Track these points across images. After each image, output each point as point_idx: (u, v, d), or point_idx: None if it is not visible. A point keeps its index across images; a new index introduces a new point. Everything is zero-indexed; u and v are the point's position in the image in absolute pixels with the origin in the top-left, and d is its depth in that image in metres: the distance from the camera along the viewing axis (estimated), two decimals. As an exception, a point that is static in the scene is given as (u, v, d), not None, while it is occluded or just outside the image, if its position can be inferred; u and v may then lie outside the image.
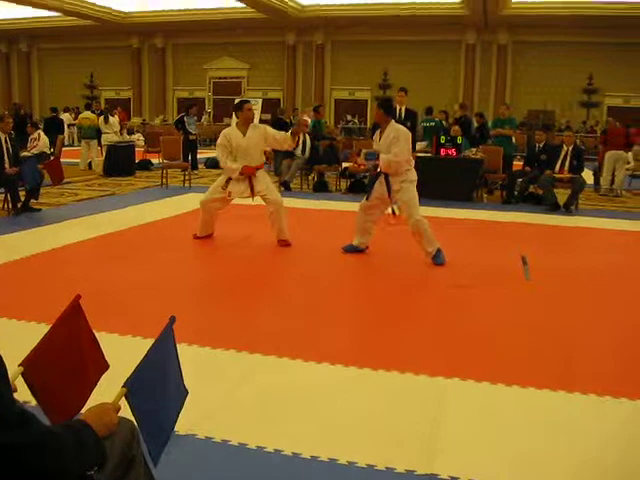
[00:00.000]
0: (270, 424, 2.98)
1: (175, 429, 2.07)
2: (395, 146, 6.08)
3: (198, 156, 15.06)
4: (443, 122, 13.50)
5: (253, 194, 6.94)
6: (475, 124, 13.02)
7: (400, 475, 2.59)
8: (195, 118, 15.33)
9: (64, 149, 15.16)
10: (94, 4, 23.72)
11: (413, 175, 6.28)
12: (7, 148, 8.33)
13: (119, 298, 4.91)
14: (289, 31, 27.04)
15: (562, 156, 10.10)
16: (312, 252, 6.72)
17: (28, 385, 1.86)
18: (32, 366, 1.87)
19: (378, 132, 6.41)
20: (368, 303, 5.15)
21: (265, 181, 6.99)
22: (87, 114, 15.18)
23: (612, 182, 12.41)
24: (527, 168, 10.78)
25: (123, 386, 1.74)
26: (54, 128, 14.19)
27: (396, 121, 6.50)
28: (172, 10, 24.62)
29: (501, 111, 12.77)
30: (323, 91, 27.91)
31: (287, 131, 7.15)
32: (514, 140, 12.67)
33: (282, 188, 11.48)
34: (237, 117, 7.06)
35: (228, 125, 7.13)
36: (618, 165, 12.32)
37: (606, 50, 23.31)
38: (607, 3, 20.66)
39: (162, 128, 22.22)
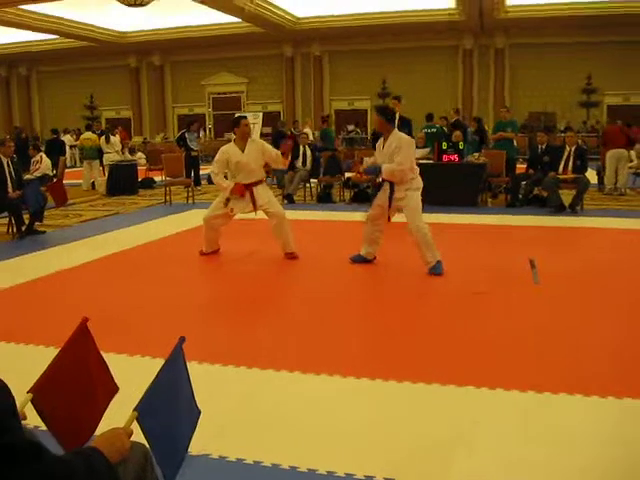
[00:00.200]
0: (284, 440, 2.94)
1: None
2: (398, 155, 6.03)
3: (200, 172, 15.07)
4: (444, 128, 13.48)
5: (255, 208, 6.93)
6: (471, 128, 13.01)
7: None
8: (196, 134, 15.36)
9: (66, 170, 15.18)
10: (91, 25, 23.81)
11: (418, 183, 6.23)
12: (10, 172, 8.34)
13: (127, 318, 4.88)
14: (286, 44, 27.10)
15: (565, 157, 10.07)
16: (318, 264, 6.69)
17: (38, 412, 1.84)
18: (41, 392, 1.84)
19: (381, 140, 6.37)
20: (376, 313, 5.10)
21: (267, 195, 6.98)
22: (88, 135, 15.22)
23: (616, 181, 12.36)
24: (530, 170, 10.75)
25: (134, 410, 1.70)
26: (55, 150, 14.23)
27: None
28: (168, 28, 24.71)
29: (502, 114, 12.76)
30: (322, 102, 27.94)
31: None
32: (515, 143, 12.64)
33: (285, 201, 11.47)
34: (234, 133, 7.06)
35: (229, 140, 7.12)
36: (620, 164, 12.29)
37: (603, 49, 23.31)
38: (602, 2, 20.65)
39: (163, 146, 22.25)
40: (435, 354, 4.02)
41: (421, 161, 11.26)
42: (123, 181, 13.68)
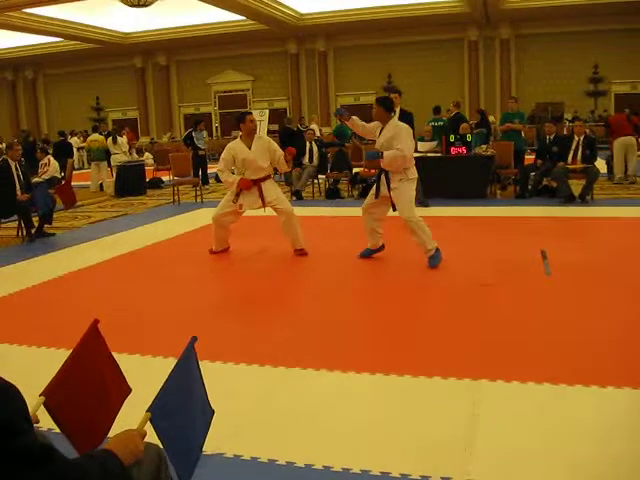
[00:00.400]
0: (299, 438, 2.93)
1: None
2: (398, 142, 5.97)
3: (208, 171, 15.08)
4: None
5: (264, 204, 6.91)
6: (471, 120, 12.97)
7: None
8: (203, 133, 15.37)
9: (74, 172, 15.22)
10: (95, 27, 23.86)
11: (413, 173, 6.16)
12: (18, 175, 8.37)
13: (138, 318, 4.88)
14: (290, 40, 27.08)
15: (574, 147, 10.00)
16: (328, 260, 6.67)
17: (51, 415, 1.83)
18: (54, 395, 1.83)
19: (378, 130, 6.32)
20: (387, 307, 5.06)
21: (275, 191, 6.95)
22: (95, 136, 15.25)
23: (626, 169, 12.27)
24: (539, 161, 10.68)
25: (147, 411, 1.69)
26: (63, 152, 14.27)
27: None
28: (173, 28, 24.73)
29: (509, 105, 12.69)
30: (328, 98, 27.91)
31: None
32: (523, 135, 12.58)
33: (294, 198, 11.45)
34: (240, 130, 7.01)
35: (236, 138, 7.10)
36: (629, 152, 12.20)
37: (609, 38, 23.17)
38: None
39: (170, 145, 22.30)
40: (447, 347, 3.99)
41: (429, 154, 11.25)
42: (131, 182, 13.70)
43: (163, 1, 18.24)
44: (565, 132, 14.94)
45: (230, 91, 29.16)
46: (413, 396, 3.33)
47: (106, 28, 24.48)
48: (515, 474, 2.56)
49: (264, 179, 6.88)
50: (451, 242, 6.93)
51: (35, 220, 8.49)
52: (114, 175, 14.35)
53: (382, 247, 6.61)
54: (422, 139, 12.11)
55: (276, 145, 7.08)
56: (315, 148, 12.22)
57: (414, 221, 6.02)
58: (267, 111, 19.29)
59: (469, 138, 10.95)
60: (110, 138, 14.74)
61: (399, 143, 5.96)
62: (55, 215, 8.94)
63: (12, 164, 8.34)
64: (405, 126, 6.19)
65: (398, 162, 5.99)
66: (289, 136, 13.80)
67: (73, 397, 1.88)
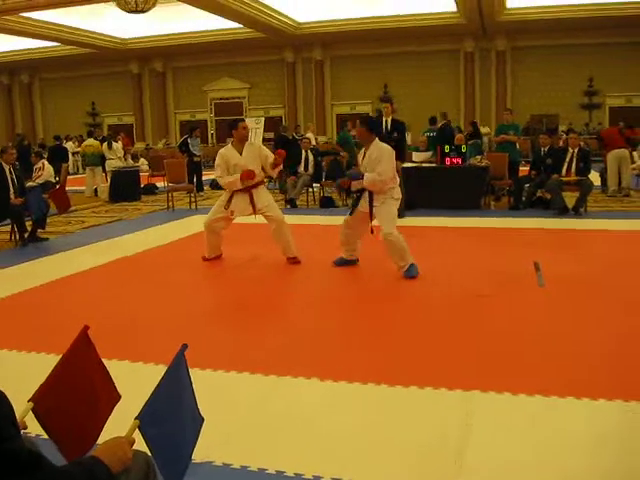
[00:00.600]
0: (289, 447, 2.91)
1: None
2: (379, 165, 6.03)
3: (203, 177, 15.07)
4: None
5: (255, 211, 6.91)
6: (464, 132, 13.02)
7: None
8: (198, 140, 15.37)
9: (69, 177, 15.18)
10: (92, 32, 23.84)
11: (397, 193, 6.22)
12: (12, 179, 8.34)
13: (130, 324, 4.86)
14: (287, 49, 27.12)
15: (568, 159, 10.04)
16: (321, 269, 6.65)
17: (39, 421, 1.81)
18: (42, 401, 1.82)
19: (362, 151, 6.36)
20: (380, 316, 5.05)
21: (266, 198, 6.96)
22: (90, 141, 15.23)
23: (620, 182, 12.31)
24: (533, 173, 10.71)
25: (136, 418, 1.68)
26: (58, 157, 14.26)
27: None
28: (170, 34, 24.73)
29: (505, 116, 12.74)
30: (324, 107, 27.94)
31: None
32: (518, 147, 12.61)
33: (288, 205, 11.45)
34: (232, 136, 7.04)
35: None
36: (623, 164, 12.24)
37: (605, 51, 23.27)
38: (603, 4, 20.61)
39: (165, 151, 22.28)
40: (440, 358, 3.99)
41: (424, 164, 11.28)
42: (126, 187, 13.67)
43: (160, 8, 18.24)
44: (560, 144, 14.99)
45: (226, 98, 29.17)
46: (404, 406, 3.32)
47: (103, 33, 24.46)
48: (506, 486, 2.56)
49: (256, 186, 6.89)
50: (445, 252, 6.94)
51: (28, 224, 8.45)
52: (109, 180, 14.33)
53: (357, 260, 6.65)
54: (417, 149, 12.14)
55: (268, 151, 7.11)
56: (311, 157, 12.24)
57: (393, 236, 6.03)
58: (263, 119, 19.31)
59: (464, 149, 10.98)
60: (105, 143, 14.73)
61: (379, 167, 6.02)
62: (48, 220, 8.91)
63: (6, 168, 8.31)
64: (388, 149, 6.20)
65: (377, 186, 6.07)
66: (284, 144, 13.78)
67: (62, 403, 1.87)
